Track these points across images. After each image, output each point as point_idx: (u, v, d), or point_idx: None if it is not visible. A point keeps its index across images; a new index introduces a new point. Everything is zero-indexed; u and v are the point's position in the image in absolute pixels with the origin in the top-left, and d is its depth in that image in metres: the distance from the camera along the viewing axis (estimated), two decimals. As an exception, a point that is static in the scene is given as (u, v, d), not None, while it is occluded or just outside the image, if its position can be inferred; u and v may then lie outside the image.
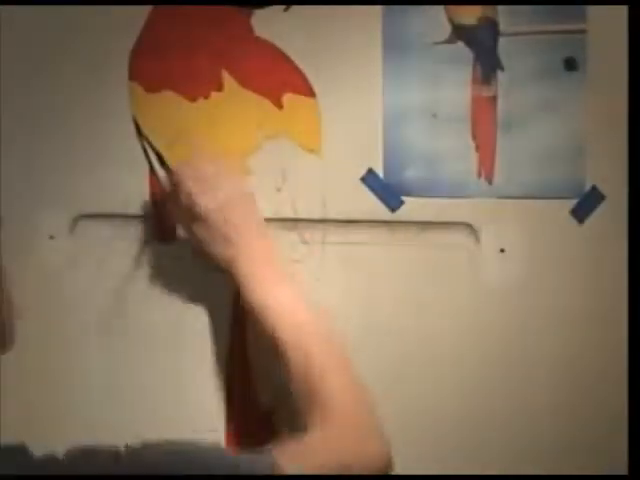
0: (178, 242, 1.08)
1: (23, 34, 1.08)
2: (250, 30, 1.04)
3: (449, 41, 1.01)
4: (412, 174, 1.03)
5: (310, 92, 1.04)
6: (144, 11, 1.05)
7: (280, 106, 1.04)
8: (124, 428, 1.09)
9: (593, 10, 0.98)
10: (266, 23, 1.04)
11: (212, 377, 1.07)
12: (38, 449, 0.82)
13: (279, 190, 1.05)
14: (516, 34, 1.00)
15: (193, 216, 0.97)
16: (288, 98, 1.04)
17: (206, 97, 1.05)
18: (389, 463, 0.88)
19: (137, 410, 1.09)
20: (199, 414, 1.07)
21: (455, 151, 1.02)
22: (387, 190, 1.03)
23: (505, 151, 1.01)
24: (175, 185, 0.99)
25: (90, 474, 0.78)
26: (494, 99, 1.01)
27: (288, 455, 0.81)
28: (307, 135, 1.04)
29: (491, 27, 1.01)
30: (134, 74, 1.07)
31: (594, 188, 1.00)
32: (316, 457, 0.83)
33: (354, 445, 0.86)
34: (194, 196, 0.96)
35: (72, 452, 0.81)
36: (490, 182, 1.02)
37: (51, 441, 0.83)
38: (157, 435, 1.07)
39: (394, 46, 1.02)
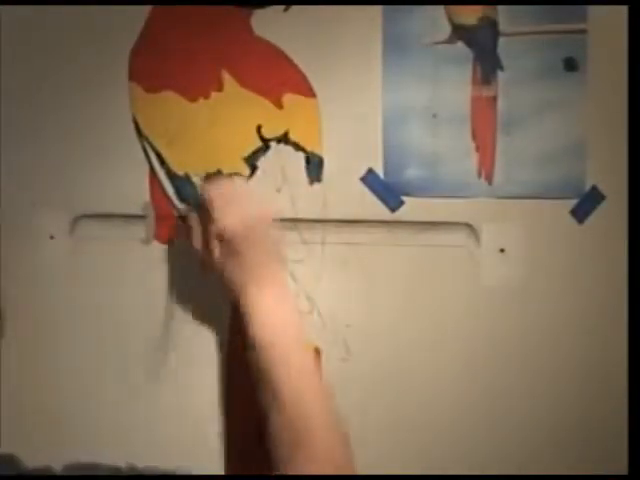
0: (178, 242, 1.08)
1: (23, 34, 1.08)
2: (250, 30, 1.04)
3: (449, 41, 1.01)
4: (412, 174, 1.03)
5: (310, 92, 1.04)
6: (144, 11, 1.06)
7: (280, 106, 1.04)
8: (122, 431, 1.09)
9: (593, 10, 0.98)
10: (266, 23, 1.04)
11: (211, 378, 1.07)
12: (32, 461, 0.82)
13: (279, 190, 1.05)
14: (516, 34, 1.00)
15: (212, 233, 0.93)
16: (288, 98, 1.04)
17: (206, 97, 1.05)
18: None
19: (134, 412, 1.09)
20: (199, 415, 1.08)
21: (455, 151, 1.02)
22: (387, 190, 1.03)
23: (505, 151, 1.01)
24: (200, 201, 0.96)
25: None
26: (494, 99, 1.01)
27: None
28: (307, 135, 1.04)
29: (491, 27, 1.01)
30: (134, 74, 1.07)
31: (594, 188, 1.00)
32: None
33: None
34: (216, 212, 0.92)
35: (70, 467, 0.79)
36: (490, 182, 1.02)
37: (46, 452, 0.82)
38: (155, 441, 1.08)
39: (394, 46, 1.02)
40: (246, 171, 1.05)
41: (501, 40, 1.01)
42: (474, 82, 1.02)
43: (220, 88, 1.05)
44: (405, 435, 1.04)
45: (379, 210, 1.03)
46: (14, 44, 1.08)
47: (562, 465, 1.01)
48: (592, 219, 1.00)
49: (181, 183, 1.07)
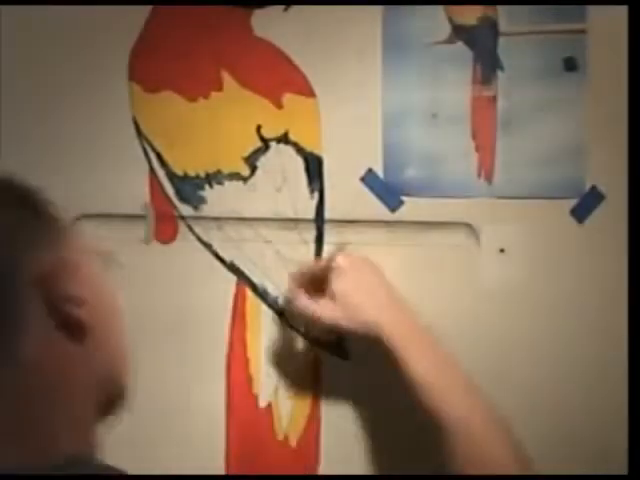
0: (178, 242, 1.08)
1: (23, 34, 1.08)
2: (250, 30, 1.04)
3: (449, 41, 1.01)
4: (412, 174, 1.03)
5: (310, 92, 1.04)
6: (144, 11, 1.06)
7: (280, 106, 1.04)
8: (122, 431, 1.09)
9: (593, 10, 0.98)
10: (266, 23, 1.04)
11: (212, 377, 1.07)
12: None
13: (279, 190, 1.05)
14: (516, 34, 1.00)
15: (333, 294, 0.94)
16: (288, 98, 1.04)
17: (206, 97, 1.05)
18: None
19: (134, 405, 1.09)
20: (199, 416, 1.07)
21: (455, 151, 1.02)
22: (387, 190, 1.03)
23: (505, 151, 1.01)
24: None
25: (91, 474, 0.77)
26: (494, 99, 1.01)
27: None
28: (307, 135, 1.04)
29: (491, 27, 1.01)
30: (134, 74, 1.07)
31: (594, 188, 1.00)
32: None
33: None
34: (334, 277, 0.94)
35: None
36: (490, 182, 1.02)
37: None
38: (154, 439, 1.07)
39: (394, 46, 1.02)
40: (246, 171, 1.05)
41: (501, 40, 1.01)
42: (474, 82, 1.02)
43: (220, 88, 1.05)
44: (403, 435, 1.04)
45: (379, 210, 1.03)
46: (14, 44, 1.08)
47: (562, 465, 1.01)
48: (592, 219, 1.00)
49: (181, 183, 1.07)
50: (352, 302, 0.93)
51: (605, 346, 1.00)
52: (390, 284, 0.96)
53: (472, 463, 0.85)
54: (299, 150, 1.04)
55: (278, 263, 1.06)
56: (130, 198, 1.08)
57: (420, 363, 0.88)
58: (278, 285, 1.06)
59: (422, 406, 0.87)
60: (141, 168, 1.07)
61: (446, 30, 1.01)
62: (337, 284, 0.94)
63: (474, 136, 1.02)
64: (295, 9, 1.03)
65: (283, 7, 1.03)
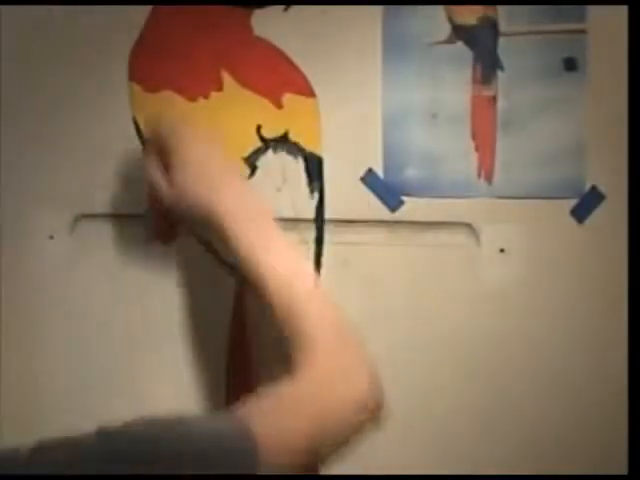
0: (178, 242, 1.08)
1: (23, 34, 1.08)
2: (250, 30, 1.04)
3: (449, 41, 1.01)
4: (412, 174, 1.03)
5: (310, 92, 1.04)
6: (144, 11, 1.06)
7: (280, 106, 1.04)
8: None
9: (593, 10, 0.98)
10: (266, 23, 1.04)
11: (213, 375, 1.07)
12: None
13: (279, 190, 1.05)
14: (516, 34, 1.00)
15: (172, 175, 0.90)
16: (288, 98, 1.04)
17: (206, 97, 1.05)
18: (378, 400, 0.82)
19: (134, 407, 1.09)
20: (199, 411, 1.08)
21: (455, 151, 1.02)
22: (387, 190, 1.03)
23: (505, 151, 1.01)
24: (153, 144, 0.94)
25: (88, 474, 0.76)
26: (494, 99, 1.01)
27: (259, 413, 0.73)
28: (307, 135, 1.04)
29: (491, 27, 1.01)
30: (134, 74, 1.07)
31: (594, 188, 1.00)
32: (295, 406, 0.76)
33: (339, 386, 0.79)
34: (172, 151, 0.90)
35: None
36: (490, 182, 1.02)
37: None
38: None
39: (394, 46, 1.02)
40: (246, 171, 1.05)
41: (501, 40, 1.01)
42: (474, 82, 1.02)
43: (220, 88, 1.05)
44: (404, 435, 1.04)
45: (379, 210, 1.03)
46: (14, 44, 1.08)
47: (562, 465, 1.01)
48: (592, 219, 1.00)
49: (181, 183, 1.07)
50: (181, 180, 0.88)
51: (605, 346, 1.01)
52: (224, 160, 0.91)
53: (290, 327, 0.82)
54: (299, 150, 1.04)
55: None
56: (130, 198, 1.08)
57: (246, 238, 0.85)
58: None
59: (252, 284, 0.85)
60: (141, 168, 1.07)
61: (446, 30, 1.01)
62: (172, 159, 0.89)
63: (474, 136, 1.02)
64: (295, 9, 1.03)
65: (283, 7, 1.03)
